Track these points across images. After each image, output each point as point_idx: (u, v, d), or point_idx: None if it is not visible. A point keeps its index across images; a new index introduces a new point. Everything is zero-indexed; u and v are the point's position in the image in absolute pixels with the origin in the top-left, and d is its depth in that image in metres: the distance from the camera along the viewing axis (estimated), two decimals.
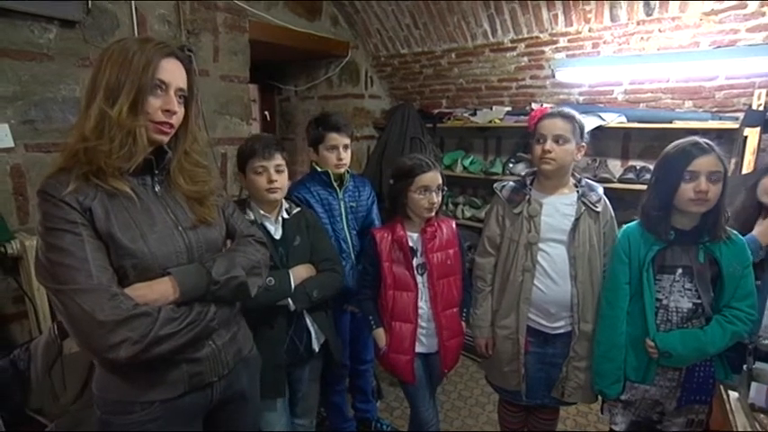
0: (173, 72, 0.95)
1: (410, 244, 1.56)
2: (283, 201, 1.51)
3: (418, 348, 1.57)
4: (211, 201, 1.08)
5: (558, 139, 1.44)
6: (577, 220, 1.47)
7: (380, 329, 1.60)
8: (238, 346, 1.12)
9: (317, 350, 1.53)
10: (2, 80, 1.65)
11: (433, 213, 1.55)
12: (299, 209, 1.57)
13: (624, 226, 1.46)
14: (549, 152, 1.43)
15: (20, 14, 1.65)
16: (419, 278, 1.56)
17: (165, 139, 0.98)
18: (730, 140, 2.09)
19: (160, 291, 0.91)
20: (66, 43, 1.80)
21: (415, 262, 1.56)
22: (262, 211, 1.46)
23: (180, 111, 0.98)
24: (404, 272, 1.56)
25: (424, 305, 1.57)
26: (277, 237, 1.47)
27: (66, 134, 1.75)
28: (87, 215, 0.87)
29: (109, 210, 0.90)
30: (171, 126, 0.97)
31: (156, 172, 1.00)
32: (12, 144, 1.68)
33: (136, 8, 1.96)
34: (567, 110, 1.49)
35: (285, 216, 1.50)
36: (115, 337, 0.83)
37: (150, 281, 0.92)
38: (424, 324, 1.58)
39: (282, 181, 1.44)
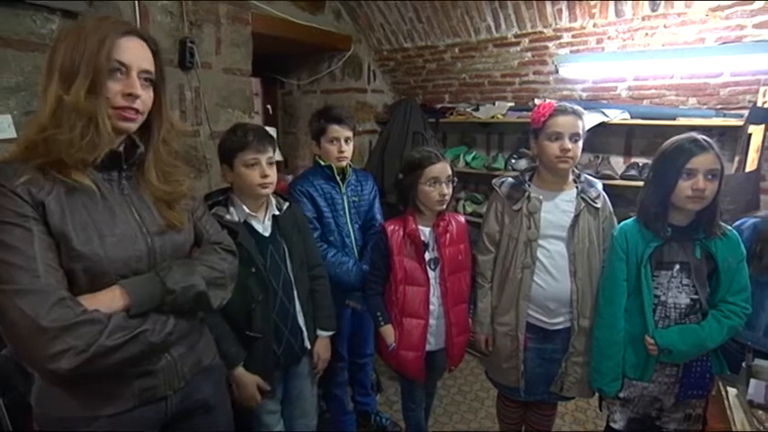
0: (133, 52, 0.86)
1: (422, 238, 1.54)
2: (271, 196, 1.44)
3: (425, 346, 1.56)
4: (182, 204, 0.99)
5: (573, 138, 1.43)
6: (577, 216, 1.47)
7: (389, 326, 1.58)
8: (197, 356, 1.02)
9: (309, 347, 1.50)
10: (4, 71, 1.64)
11: (444, 206, 1.53)
12: (287, 204, 1.49)
13: (621, 223, 1.46)
14: (569, 151, 1.42)
15: (22, 4, 1.64)
16: (431, 273, 1.55)
17: (132, 126, 0.88)
18: (734, 138, 2.08)
19: (104, 300, 0.81)
20: None
21: (427, 256, 1.54)
22: (247, 209, 1.36)
23: (146, 95, 0.88)
24: (416, 266, 1.54)
25: (435, 301, 1.56)
26: (266, 234, 1.39)
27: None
28: (40, 210, 0.78)
29: (65, 206, 0.81)
30: (136, 111, 0.87)
31: (125, 167, 0.91)
32: (14, 135, 1.68)
33: None
34: (576, 107, 1.48)
35: (277, 213, 1.43)
36: (57, 346, 0.73)
37: (97, 292, 0.82)
38: (432, 321, 1.56)
39: (274, 175, 1.37)
